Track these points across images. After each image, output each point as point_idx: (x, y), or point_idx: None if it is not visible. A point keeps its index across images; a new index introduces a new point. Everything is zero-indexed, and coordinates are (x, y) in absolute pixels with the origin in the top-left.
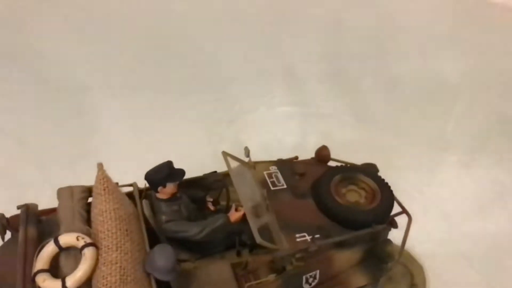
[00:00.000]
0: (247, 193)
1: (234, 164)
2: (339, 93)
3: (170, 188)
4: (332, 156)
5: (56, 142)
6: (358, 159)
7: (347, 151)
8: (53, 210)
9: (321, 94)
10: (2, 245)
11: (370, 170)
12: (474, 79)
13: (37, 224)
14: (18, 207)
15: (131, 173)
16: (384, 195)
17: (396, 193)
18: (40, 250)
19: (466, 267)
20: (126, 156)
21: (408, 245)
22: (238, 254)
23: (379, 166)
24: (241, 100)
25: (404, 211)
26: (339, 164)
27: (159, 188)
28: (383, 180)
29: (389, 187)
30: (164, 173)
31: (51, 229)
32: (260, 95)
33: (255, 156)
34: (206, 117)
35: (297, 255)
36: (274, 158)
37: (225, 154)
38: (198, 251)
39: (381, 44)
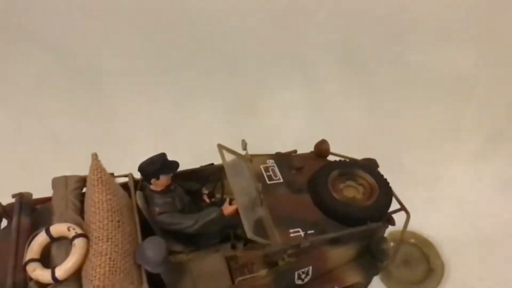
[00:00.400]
0: (241, 187)
1: (231, 157)
2: (353, 83)
3: (163, 180)
4: (338, 149)
5: (75, 125)
6: (372, 151)
7: (359, 143)
8: (48, 199)
9: (335, 84)
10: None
11: (369, 165)
12: (491, 68)
13: (30, 213)
14: (13, 196)
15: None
16: (382, 192)
17: (413, 182)
18: (32, 240)
19: (484, 253)
20: (142, 141)
21: (425, 231)
22: (233, 247)
23: (394, 157)
24: (259, 87)
25: (402, 208)
26: (338, 158)
27: (153, 180)
28: (382, 176)
29: (388, 183)
30: (157, 165)
31: (45, 218)
32: (278, 83)
33: (267, 146)
34: (224, 102)
35: (289, 251)
36: (286, 149)
37: (220, 147)
38: (192, 244)
39: (396, 33)
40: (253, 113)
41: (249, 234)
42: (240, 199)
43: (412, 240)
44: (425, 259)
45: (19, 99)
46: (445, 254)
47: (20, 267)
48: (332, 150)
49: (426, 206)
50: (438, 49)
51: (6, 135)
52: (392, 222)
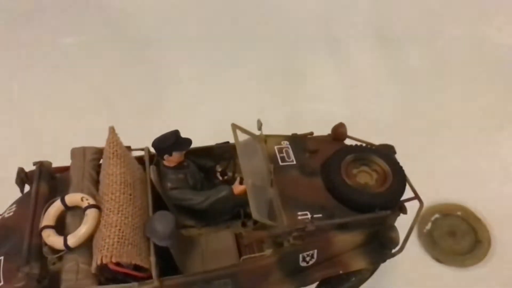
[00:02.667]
0: (252, 167)
1: (246, 137)
2: (386, 63)
3: (176, 156)
4: (367, 133)
5: (125, 93)
6: (405, 135)
7: (392, 126)
8: (67, 168)
9: (367, 64)
10: (20, 197)
11: (385, 151)
12: None
13: (49, 180)
14: (34, 164)
15: (190, 128)
16: (396, 179)
17: (458, 157)
18: (48, 207)
19: None
20: (190, 111)
21: (472, 205)
22: (243, 225)
23: (430, 139)
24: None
25: (416, 196)
26: (355, 143)
27: (165, 156)
28: (398, 163)
29: (403, 171)
30: (170, 142)
31: (62, 186)
32: (311, 64)
33: (302, 125)
34: (272, 75)
35: (295, 233)
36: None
37: (234, 127)
38: (204, 219)
39: (432, 9)
40: (289, 92)
41: (255, 214)
42: (249, 179)
43: (459, 213)
44: (472, 231)
45: (67, 64)
46: (492, 227)
47: (36, 232)
48: (360, 133)
49: (473, 180)
50: (478, 26)
51: (47, 100)
52: (404, 211)
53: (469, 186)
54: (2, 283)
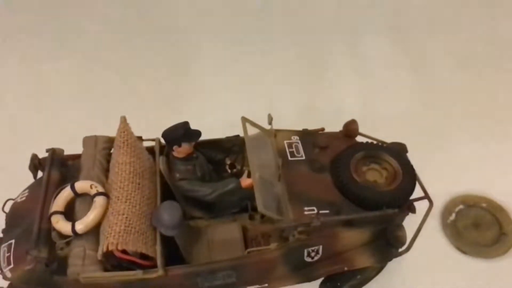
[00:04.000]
0: (260, 161)
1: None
2: (403, 55)
3: (185, 148)
4: (384, 128)
5: (153, 82)
6: (426, 125)
7: (411, 117)
8: (78, 156)
9: (383, 58)
10: (33, 183)
11: (397, 149)
12: None
13: (60, 167)
14: (47, 150)
15: (207, 119)
16: (405, 178)
17: (480, 150)
18: (58, 193)
19: None
20: (215, 102)
21: (497, 197)
22: (251, 218)
23: (452, 129)
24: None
25: (426, 196)
26: (367, 140)
27: (174, 147)
28: (409, 162)
29: (413, 170)
30: (179, 133)
31: (73, 173)
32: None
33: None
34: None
35: (300, 228)
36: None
37: (244, 120)
38: (212, 211)
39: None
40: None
41: (260, 207)
42: (256, 173)
43: (484, 205)
44: (497, 224)
45: (94, 51)
46: None
47: (46, 217)
48: (376, 127)
49: (498, 172)
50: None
51: (74, 86)
52: (413, 210)
53: (494, 177)
54: (12, 265)
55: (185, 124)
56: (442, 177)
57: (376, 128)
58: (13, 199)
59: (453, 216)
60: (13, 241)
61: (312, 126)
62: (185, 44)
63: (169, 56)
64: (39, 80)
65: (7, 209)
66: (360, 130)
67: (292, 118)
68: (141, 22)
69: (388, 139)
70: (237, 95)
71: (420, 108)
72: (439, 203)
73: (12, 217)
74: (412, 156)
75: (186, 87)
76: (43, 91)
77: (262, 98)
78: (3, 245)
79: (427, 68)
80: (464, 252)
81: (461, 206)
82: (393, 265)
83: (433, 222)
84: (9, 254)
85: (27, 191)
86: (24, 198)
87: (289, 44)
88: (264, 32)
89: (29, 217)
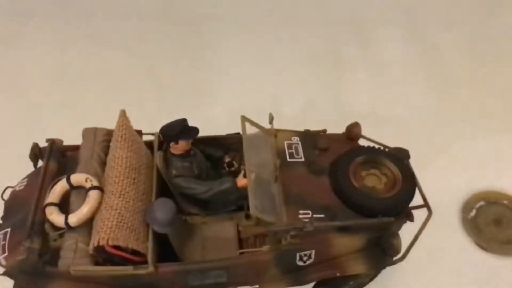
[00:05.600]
0: (258, 161)
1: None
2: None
3: (182, 145)
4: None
5: (176, 71)
6: (445, 121)
7: (430, 112)
8: (78, 147)
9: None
10: (32, 172)
11: (398, 155)
12: None
13: (59, 158)
14: (46, 141)
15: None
16: (405, 186)
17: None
18: (54, 185)
19: None
20: (236, 92)
21: None
22: (247, 217)
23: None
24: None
25: (425, 204)
26: (370, 143)
27: (171, 144)
28: (410, 169)
29: (414, 177)
30: (177, 130)
31: (72, 165)
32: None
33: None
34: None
35: (292, 232)
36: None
37: (243, 119)
38: (209, 208)
39: None
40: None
41: (252, 210)
42: (252, 173)
43: (505, 202)
44: None
45: (119, 40)
46: None
47: (41, 208)
48: (388, 126)
49: None
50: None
51: (98, 74)
52: (411, 218)
53: None
54: (7, 253)
55: (183, 121)
56: (463, 172)
57: (386, 126)
58: (12, 187)
59: (473, 212)
60: (9, 229)
61: (318, 125)
62: (216, 34)
63: (187, 46)
64: (55, 67)
65: (6, 196)
66: (368, 129)
67: (299, 116)
68: (163, 12)
69: (404, 137)
70: (245, 91)
71: (436, 104)
72: (459, 198)
73: (10, 205)
74: (431, 152)
75: (197, 81)
76: (59, 77)
77: (266, 94)
78: (0, 233)
79: (442, 64)
80: (484, 249)
81: (482, 203)
82: (411, 259)
83: (453, 217)
84: (4, 242)
85: (26, 179)
86: (22, 187)
87: (300, 39)
88: (272, 27)
89: (26, 206)
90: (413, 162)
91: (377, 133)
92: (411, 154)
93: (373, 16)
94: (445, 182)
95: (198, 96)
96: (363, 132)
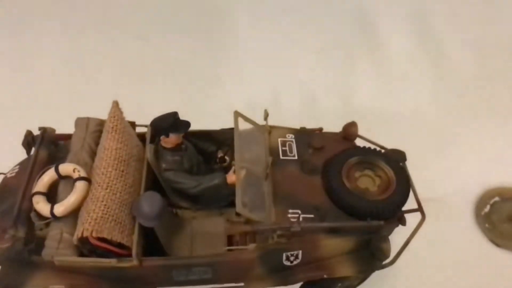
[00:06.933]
0: (250, 157)
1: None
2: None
3: (173, 138)
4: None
5: (194, 61)
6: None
7: (442, 110)
8: (69, 136)
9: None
10: (24, 159)
11: (394, 157)
12: None
13: (50, 147)
14: (39, 129)
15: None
16: (398, 189)
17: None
18: (42, 174)
19: None
20: (255, 84)
21: None
22: (237, 214)
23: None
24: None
25: (419, 208)
26: (366, 144)
27: (162, 137)
28: (405, 172)
29: (408, 181)
30: (167, 123)
31: (62, 154)
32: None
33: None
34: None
35: (279, 232)
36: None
37: (237, 114)
38: (199, 203)
39: None
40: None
41: (238, 207)
42: (242, 170)
43: None
44: None
45: (135, 28)
46: None
47: (28, 197)
48: (397, 124)
49: None
50: None
51: (114, 62)
52: (403, 222)
53: None
54: None
55: (174, 114)
56: (477, 167)
57: (395, 123)
58: (4, 174)
59: (487, 208)
60: None
61: (319, 123)
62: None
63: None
64: (65, 54)
65: None
66: (375, 127)
67: (300, 112)
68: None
69: (415, 133)
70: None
71: (448, 101)
72: (473, 194)
73: (1, 192)
74: (444, 148)
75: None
76: (69, 64)
77: (266, 89)
78: None
79: (449, 61)
80: (497, 245)
81: (496, 199)
82: (425, 255)
83: (466, 213)
84: None
85: (18, 167)
86: (14, 174)
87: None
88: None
89: (15, 193)
90: (425, 159)
91: (384, 130)
92: (423, 151)
93: (379, 13)
94: (459, 177)
95: (207, 86)
96: (368, 130)
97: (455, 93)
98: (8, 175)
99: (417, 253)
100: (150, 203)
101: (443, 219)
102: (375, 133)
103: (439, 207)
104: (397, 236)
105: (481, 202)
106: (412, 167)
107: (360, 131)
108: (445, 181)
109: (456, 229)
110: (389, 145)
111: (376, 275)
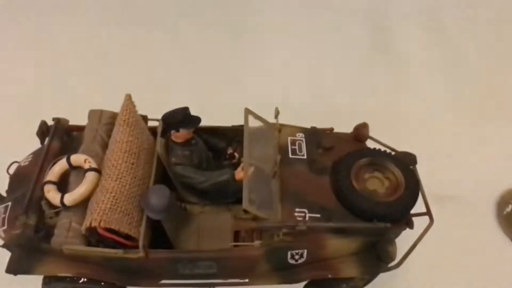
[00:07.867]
0: (259, 155)
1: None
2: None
3: (183, 133)
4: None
5: (212, 57)
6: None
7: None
8: (83, 128)
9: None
10: (38, 149)
11: (404, 160)
12: None
13: (63, 137)
14: (53, 119)
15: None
16: (407, 192)
17: None
18: (54, 163)
19: None
20: (268, 83)
21: None
22: (245, 210)
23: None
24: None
25: (428, 212)
26: (377, 145)
27: (172, 132)
28: (415, 175)
29: (418, 183)
30: (178, 118)
31: (75, 145)
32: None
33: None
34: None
35: (284, 230)
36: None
37: (247, 112)
38: (207, 198)
39: None
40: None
41: (245, 204)
42: (250, 167)
43: None
44: None
45: (156, 19)
46: None
47: (40, 185)
48: (413, 125)
49: None
50: None
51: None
52: (411, 226)
53: None
54: (6, 226)
55: (185, 109)
56: (499, 166)
57: (411, 124)
58: (18, 162)
59: (509, 208)
60: (10, 203)
61: (332, 122)
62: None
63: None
64: (98, 47)
65: (12, 171)
66: (385, 129)
67: (311, 110)
68: None
69: (433, 133)
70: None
71: (467, 102)
72: (495, 193)
73: (14, 180)
74: (463, 147)
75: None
76: (92, 54)
77: (277, 87)
78: (1, 206)
79: (464, 62)
80: None
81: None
82: (446, 252)
83: (488, 212)
84: (4, 215)
85: (31, 156)
86: (27, 163)
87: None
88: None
89: (28, 182)
90: (445, 158)
91: (397, 132)
92: (441, 151)
93: (393, 13)
94: (480, 177)
95: (222, 82)
96: (379, 132)
97: (473, 94)
98: (22, 164)
99: (431, 255)
100: (159, 196)
101: (464, 219)
102: (387, 135)
103: (460, 207)
104: (405, 239)
105: (503, 201)
106: (430, 168)
107: (371, 133)
108: (466, 181)
109: (477, 228)
110: (404, 147)
111: (382, 276)
